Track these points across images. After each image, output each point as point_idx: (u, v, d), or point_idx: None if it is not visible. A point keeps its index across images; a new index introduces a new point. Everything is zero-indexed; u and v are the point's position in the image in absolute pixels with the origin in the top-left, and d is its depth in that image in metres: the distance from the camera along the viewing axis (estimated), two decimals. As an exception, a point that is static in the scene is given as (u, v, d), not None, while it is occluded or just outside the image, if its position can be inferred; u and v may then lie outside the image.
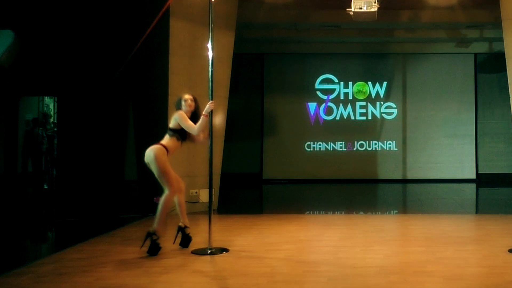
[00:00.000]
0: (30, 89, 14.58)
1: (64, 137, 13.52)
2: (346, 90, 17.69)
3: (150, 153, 7.33)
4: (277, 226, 9.38)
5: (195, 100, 7.70)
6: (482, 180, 16.98)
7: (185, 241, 7.72)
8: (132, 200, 11.42)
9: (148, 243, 7.29)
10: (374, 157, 17.46)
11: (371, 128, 17.62)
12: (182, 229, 7.72)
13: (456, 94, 17.47)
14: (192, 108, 7.64)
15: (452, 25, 15.27)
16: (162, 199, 7.37)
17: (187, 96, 7.66)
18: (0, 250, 8.08)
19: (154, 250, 7.26)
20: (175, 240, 7.68)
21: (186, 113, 7.54)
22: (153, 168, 7.35)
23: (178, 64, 10.84)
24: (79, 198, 12.09)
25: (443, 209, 12.12)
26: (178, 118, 7.46)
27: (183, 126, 7.46)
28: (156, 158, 7.29)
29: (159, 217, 7.33)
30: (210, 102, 7.59)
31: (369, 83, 17.66)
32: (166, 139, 7.49)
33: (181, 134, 7.53)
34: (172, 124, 7.54)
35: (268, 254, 7.38)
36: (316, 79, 17.62)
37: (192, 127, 7.44)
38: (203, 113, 7.53)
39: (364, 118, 17.66)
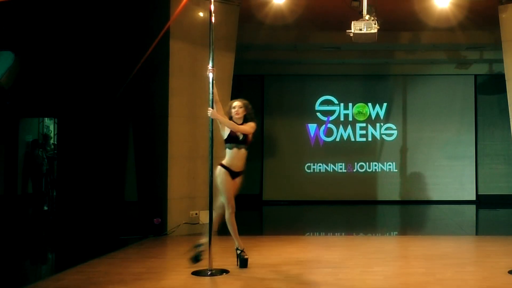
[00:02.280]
0: (30, 111, 14.62)
1: (64, 158, 13.53)
2: (346, 112, 17.68)
3: (215, 171, 7.70)
4: (277, 248, 9.37)
5: (246, 106, 7.77)
6: (482, 202, 16.91)
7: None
8: (132, 222, 11.39)
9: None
10: (374, 178, 17.42)
11: (371, 150, 17.60)
12: (197, 245, 7.73)
13: (456, 116, 17.45)
14: (240, 115, 7.70)
15: (452, 47, 15.32)
16: (227, 221, 7.75)
17: (235, 103, 7.76)
18: (0, 272, 8.06)
19: (243, 263, 7.68)
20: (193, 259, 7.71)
21: (235, 121, 7.67)
22: (217, 184, 7.70)
23: (178, 85, 10.85)
24: (79, 220, 12.07)
25: (443, 230, 12.09)
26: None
27: (234, 130, 7.59)
28: (218, 177, 7.73)
29: (234, 235, 7.77)
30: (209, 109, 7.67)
31: (369, 104, 17.65)
32: (226, 155, 7.72)
33: (230, 141, 7.67)
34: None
35: (268, 275, 7.38)
36: (316, 101, 17.62)
37: (243, 129, 7.62)
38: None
39: (364, 139, 17.64)
